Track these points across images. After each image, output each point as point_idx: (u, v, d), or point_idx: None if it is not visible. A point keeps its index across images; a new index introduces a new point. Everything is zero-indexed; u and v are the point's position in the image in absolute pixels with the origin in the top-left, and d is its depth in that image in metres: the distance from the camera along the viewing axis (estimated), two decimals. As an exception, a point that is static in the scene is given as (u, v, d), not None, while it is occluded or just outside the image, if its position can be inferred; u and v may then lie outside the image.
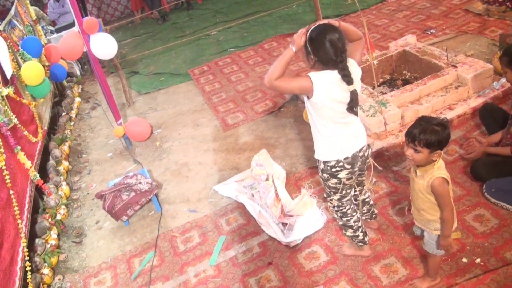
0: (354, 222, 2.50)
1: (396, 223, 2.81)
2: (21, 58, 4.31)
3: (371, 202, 2.69)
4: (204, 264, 2.94)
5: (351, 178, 2.31)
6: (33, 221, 3.32)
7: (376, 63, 4.11)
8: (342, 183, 2.31)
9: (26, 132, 3.68)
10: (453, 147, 3.25)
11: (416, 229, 2.30)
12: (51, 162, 4.14)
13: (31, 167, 3.48)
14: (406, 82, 4.08)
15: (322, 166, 2.29)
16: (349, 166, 2.24)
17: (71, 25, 6.41)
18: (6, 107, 3.46)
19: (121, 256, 3.21)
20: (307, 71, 2.13)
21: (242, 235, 3.07)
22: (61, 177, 4.05)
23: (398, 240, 2.70)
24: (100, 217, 3.65)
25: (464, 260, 2.45)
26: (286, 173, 3.47)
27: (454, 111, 3.50)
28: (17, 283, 2.70)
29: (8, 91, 3.52)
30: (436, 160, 1.99)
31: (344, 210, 2.46)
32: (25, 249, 2.90)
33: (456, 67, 3.69)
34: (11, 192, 3.01)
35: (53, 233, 3.36)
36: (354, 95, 2.07)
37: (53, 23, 7.13)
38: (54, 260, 3.19)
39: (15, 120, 3.50)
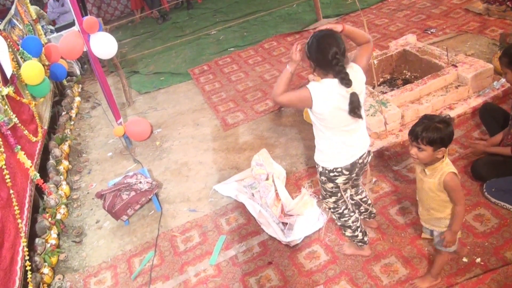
0: (353, 222, 2.50)
1: (396, 223, 2.81)
2: (21, 57, 4.30)
3: (369, 202, 2.69)
4: (204, 264, 2.94)
5: (348, 182, 2.35)
6: (33, 221, 3.32)
7: (376, 62, 4.11)
8: (338, 187, 2.35)
9: (26, 132, 3.68)
10: (453, 146, 3.24)
11: (426, 230, 2.30)
12: (51, 161, 4.13)
13: (31, 166, 3.48)
14: (406, 81, 4.08)
15: (320, 169, 2.33)
16: (347, 173, 2.27)
17: (71, 24, 6.41)
18: (6, 107, 3.46)
19: (121, 256, 3.21)
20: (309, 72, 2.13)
21: (242, 235, 3.07)
22: (61, 176, 4.05)
23: (398, 239, 2.70)
24: (100, 216, 3.65)
25: (464, 259, 2.45)
26: (286, 172, 3.47)
27: (454, 110, 3.50)
28: (17, 282, 2.70)
29: (8, 90, 3.52)
30: (442, 157, 2.00)
31: (340, 211, 2.49)
32: (25, 249, 2.90)
33: (456, 66, 3.69)
34: (11, 191, 3.00)
35: (53, 233, 3.37)
36: (353, 97, 2.03)
37: (53, 23, 7.12)
38: (54, 259, 3.19)
39: (15, 120, 3.50)
